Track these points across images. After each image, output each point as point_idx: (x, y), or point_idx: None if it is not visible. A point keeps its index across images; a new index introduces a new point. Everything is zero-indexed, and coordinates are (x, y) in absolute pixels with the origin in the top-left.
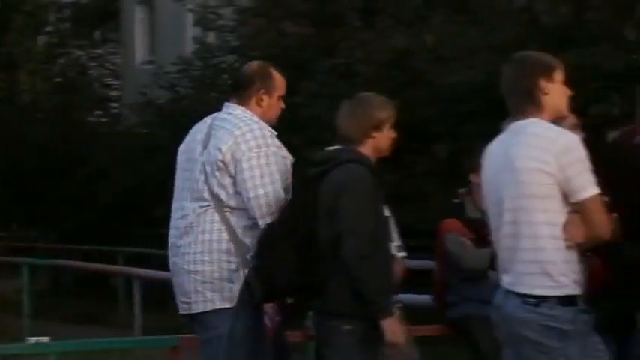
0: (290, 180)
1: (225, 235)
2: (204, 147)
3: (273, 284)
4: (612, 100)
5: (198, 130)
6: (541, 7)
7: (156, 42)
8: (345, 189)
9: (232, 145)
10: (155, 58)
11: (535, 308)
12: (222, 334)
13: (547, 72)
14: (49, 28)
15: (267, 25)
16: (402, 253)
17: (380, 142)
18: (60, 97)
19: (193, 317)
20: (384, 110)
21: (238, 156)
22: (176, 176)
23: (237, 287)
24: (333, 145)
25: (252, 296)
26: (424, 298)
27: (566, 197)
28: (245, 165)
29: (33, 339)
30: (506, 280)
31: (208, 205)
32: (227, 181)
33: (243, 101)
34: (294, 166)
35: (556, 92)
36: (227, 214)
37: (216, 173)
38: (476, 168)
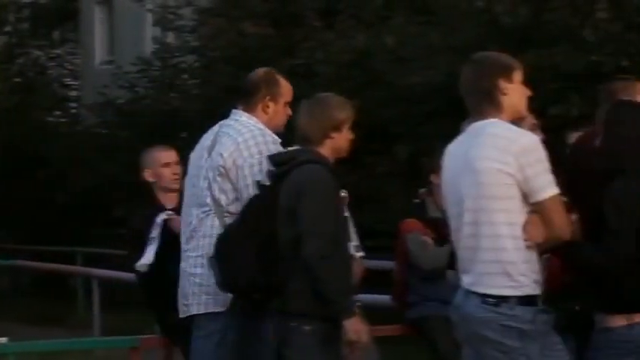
0: None
1: None
2: (209, 153)
3: (235, 284)
4: (571, 100)
5: (207, 138)
6: (501, 8)
7: (115, 42)
8: (305, 189)
9: (234, 152)
10: (114, 59)
11: (495, 308)
12: (211, 335)
13: (506, 72)
14: (7, 28)
15: (226, 25)
16: (360, 253)
17: (338, 142)
18: (19, 97)
19: (192, 320)
20: (343, 111)
21: (240, 162)
22: (185, 183)
23: None
24: (292, 146)
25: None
26: (383, 298)
27: (526, 197)
28: (247, 171)
29: None
30: (466, 280)
31: (210, 210)
32: (228, 186)
33: (249, 108)
34: None
35: (515, 93)
36: (227, 219)
37: (218, 179)
38: (436, 169)
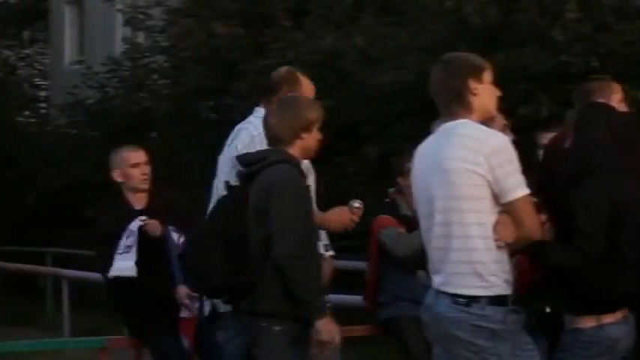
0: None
1: None
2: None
3: (205, 285)
4: (541, 101)
5: (230, 136)
6: (470, 8)
7: (85, 42)
8: (275, 190)
9: (249, 144)
10: (84, 59)
11: (466, 308)
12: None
13: (476, 73)
14: None
15: (196, 25)
16: (330, 252)
17: (308, 142)
18: None
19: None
20: (312, 111)
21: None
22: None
23: None
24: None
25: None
26: (354, 298)
27: (496, 198)
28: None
29: None
30: (437, 280)
31: None
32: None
33: (270, 105)
34: None
35: (485, 93)
36: None
37: (233, 170)
38: (403, 171)
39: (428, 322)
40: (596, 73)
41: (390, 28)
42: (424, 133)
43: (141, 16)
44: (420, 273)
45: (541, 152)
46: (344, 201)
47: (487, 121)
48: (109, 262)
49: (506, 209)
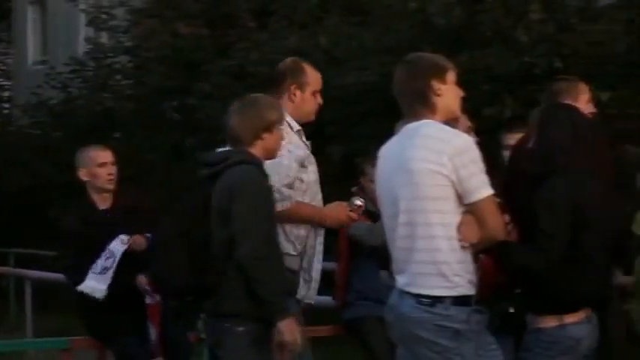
0: (292, 177)
1: None
2: None
3: (168, 285)
4: (504, 102)
5: None
6: (434, 9)
7: (48, 42)
8: (238, 191)
9: None
10: (47, 59)
11: (430, 308)
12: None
13: (439, 73)
14: None
15: (160, 25)
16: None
17: (269, 143)
18: None
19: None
20: (273, 111)
21: None
22: None
23: None
24: (226, 147)
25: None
26: (320, 298)
27: (460, 198)
28: None
29: None
30: (401, 280)
31: None
32: None
33: (277, 97)
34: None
35: (449, 93)
36: None
37: None
38: (365, 172)
39: (392, 322)
40: (560, 74)
41: (355, 28)
42: (388, 133)
43: (104, 17)
44: (383, 273)
45: (506, 153)
46: None
47: (452, 122)
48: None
49: (470, 210)
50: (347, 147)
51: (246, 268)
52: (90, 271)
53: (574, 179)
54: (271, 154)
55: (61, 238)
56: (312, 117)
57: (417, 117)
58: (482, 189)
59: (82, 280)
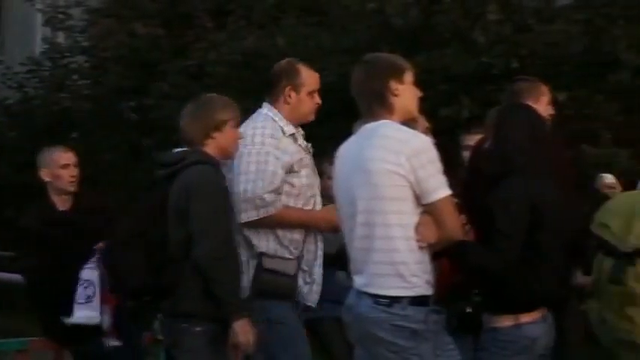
0: (277, 184)
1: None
2: None
3: (125, 286)
4: (462, 102)
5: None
6: (392, 9)
7: (4, 42)
8: (195, 191)
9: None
10: (3, 59)
11: (387, 309)
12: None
13: (397, 73)
14: None
15: (117, 25)
16: None
17: (221, 142)
18: None
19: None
20: (224, 111)
21: (236, 154)
22: None
23: (246, 278)
24: (182, 147)
25: None
26: None
27: (418, 199)
28: (236, 162)
29: None
30: (359, 281)
31: None
32: (230, 177)
33: (273, 99)
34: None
35: (406, 94)
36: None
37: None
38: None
39: (350, 322)
40: (517, 75)
41: (313, 28)
42: (346, 133)
43: (61, 16)
44: (340, 274)
45: (466, 153)
46: None
47: (411, 123)
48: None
49: (428, 210)
50: None
51: (204, 268)
52: (75, 302)
53: (531, 179)
54: (227, 154)
55: (21, 238)
56: (311, 117)
57: (374, 117)
58: (440, 189)
59: (40, 280)
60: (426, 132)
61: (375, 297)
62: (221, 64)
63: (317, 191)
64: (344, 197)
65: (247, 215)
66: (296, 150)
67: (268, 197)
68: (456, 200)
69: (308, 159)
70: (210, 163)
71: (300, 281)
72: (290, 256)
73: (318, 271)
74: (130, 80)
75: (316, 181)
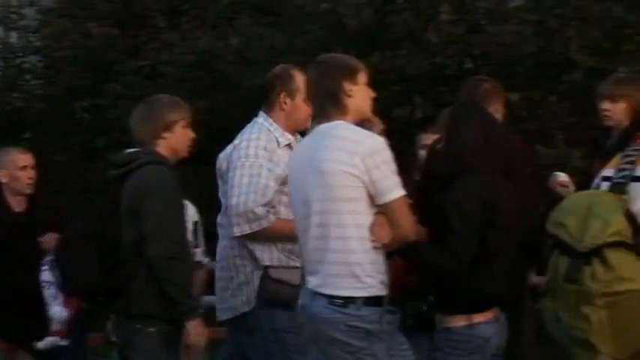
0: (269, 197)
1: (235, 242)
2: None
3: (77, 287)
4: (415, 102)
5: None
6: (345, 9)
7: None
8: (147, 191)
9: (228, 155)
10: None
11: (342, 309)
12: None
13: (351, 74)
14: None
15: (70, 25)
16: (207, 259)
17: (172, 142)
18: None
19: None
20: (173, 111)
21: (230, 165)
22: None
23: (252, 290)
24: (135, 147)
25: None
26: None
27: (372, 199)
28: (230, 174)
29: None
30: (313, 281)
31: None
32: (225, 188)
33: (268, 107)
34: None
35: (360, 94)
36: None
37: (219, 181)
38: None
39: (304, 322)
40: (470, 75)
41: (266, 29)
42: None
43: (14, 16)
44: None
45: (422, 153)
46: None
47: (365, 124)
48: None
49: (383, 210)
50: None
51: (158, 268)
52: (47, 302)
53: (484, 179)
54: (179, 153)
55: None
56: (308, 124)
57: (328, 118)
58: (394, 190)
59: None
60: (381, 132)
61: (330, 297)
62: (174, 64)
63: None
64: (298, 198)
65: (240, 229)
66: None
67: (260, 211)
68: (409, 201)
69: None
70: (163, 164)
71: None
72: (295, 265)
73: None
74: (83, 80)
75: None
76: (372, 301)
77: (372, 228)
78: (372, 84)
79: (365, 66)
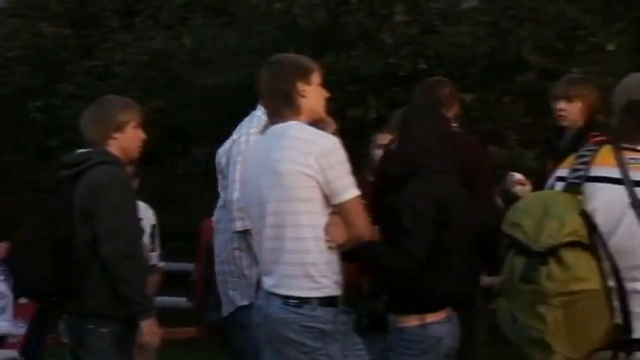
0: None
1: (235, 235)
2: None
3: (30, 287)
4: (369, 103)
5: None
6: (299, 10)
7: None
8: (100, 191)
9: (228, 150)
10: None
11: (297, 309)
12: None
13: (304, 74)
14: None
15: (23, 25)
16: (162, 263)
17: (123, 143)
18: None
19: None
20: (124, 112)
21: (230, 160)
22: None
23: (250, 284)
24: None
25: None
26: (182, 300)
27: (327, 199)
28: (231, 169)
29: None
30: (268, 282)
31: (223, 206)
32: (225, 183)
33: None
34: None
35: (313, 95)
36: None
37: (219, 176)
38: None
39: (259, 323)
40: (424, 76)
41: (220, 29)
42: None
43: None
44: None
45: (378, 152)
46: (174, 202)
47: (319, 124)
48: None
49: (338, 210)
50: (212, 148)
51: (112, 268)
52: None
53: (437, 179)
54: (130, 154)
55: None
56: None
57: (282, 118)
58: (349, 190)
59: None
60: (335, 133)
61: (285, 298)
62: (128, 64)
63: None
64: (252, 199)
65: (243, 224)
66: None
67: None
68: (364, 201)
69: None
70: (115, 164)
71: None
72: None
73: None
74: (36, 80)
75: None
76: (326, 302)
77: (327, 228)
78: (326, 84)
79: (319, 66)
